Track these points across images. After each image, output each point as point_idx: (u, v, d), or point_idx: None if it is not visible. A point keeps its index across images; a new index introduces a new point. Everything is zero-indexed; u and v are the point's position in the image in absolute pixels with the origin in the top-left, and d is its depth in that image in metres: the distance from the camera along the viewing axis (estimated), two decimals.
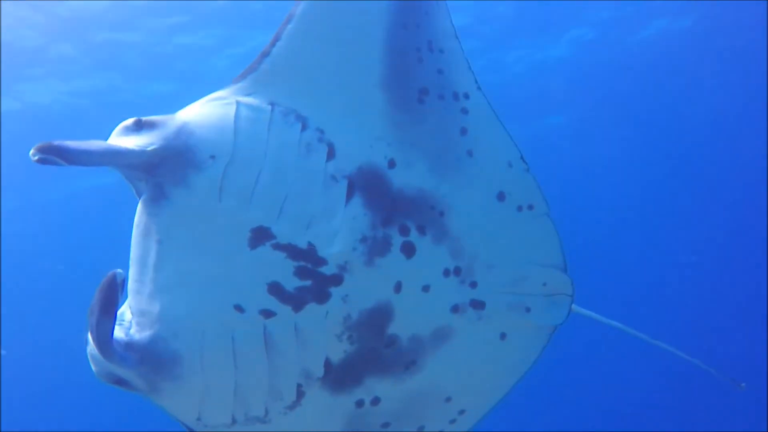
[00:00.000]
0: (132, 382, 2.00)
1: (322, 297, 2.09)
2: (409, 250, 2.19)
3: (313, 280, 2.08)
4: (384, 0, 2.16)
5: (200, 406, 2.07)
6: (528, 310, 2.38)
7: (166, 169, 1.95)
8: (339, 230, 2.09)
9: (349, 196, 2.11)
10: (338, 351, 2.16)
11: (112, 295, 1.77)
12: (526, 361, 2.44)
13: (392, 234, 2.16)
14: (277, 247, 2.04)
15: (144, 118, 2.01)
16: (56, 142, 1.75)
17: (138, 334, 1.97)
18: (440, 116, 2.24)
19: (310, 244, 2.06)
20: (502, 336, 2.38)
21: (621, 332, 2.93)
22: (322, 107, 2.13)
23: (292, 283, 2.06)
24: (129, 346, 1.94)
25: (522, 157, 2.31)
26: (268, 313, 2.06)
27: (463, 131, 2.26)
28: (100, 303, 1.76)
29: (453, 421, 2.41)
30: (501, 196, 2.31)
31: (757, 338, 20.03)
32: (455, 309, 2.30)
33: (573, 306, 2.48)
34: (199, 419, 2.10)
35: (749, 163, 17.94)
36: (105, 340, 1.81)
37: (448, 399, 2.37)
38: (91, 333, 1.79)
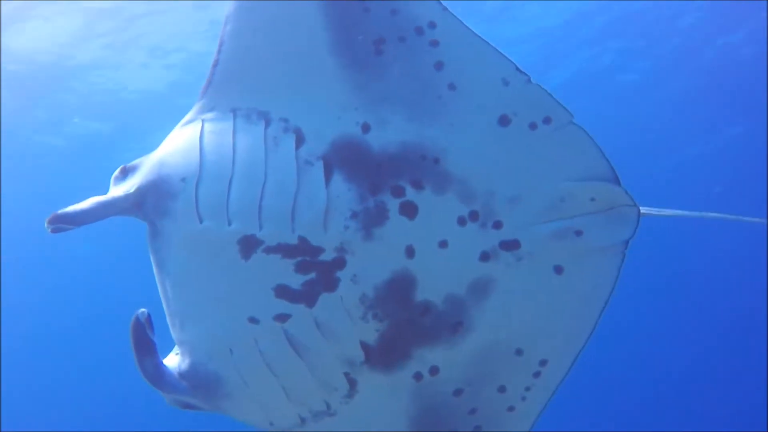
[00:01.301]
0: (197, 405, 2.13)
1: (331, 285, 2.04)
2: (409, 210, 2.04)
3: (316, 271, 2.03)
4: None
5: (265, 413, 2.14)
6: (579, 233, 2.10)
7: (150, 205, 2.04)
8: (325, 214, 2.02)
9: (329, 175, 2.03)
10: (370, 331, 2.09)
11: (142, 334, 1.95)
12: (602, 287, 2.14)
13: (385, 200, 2.03)
14: (269, 250, 2.02)
15: (128, 164, 2.14)
16: (59, 212, 1.96)
17: (183, 363, 2.09)
18: (406, 60, 2.03)
19: (300, 237, 2.02)
20: (558, 270, 2.12)
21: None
22: (281, 96, 2.06)
23: (296, 280, 2.03)
24: (181, 375, 2.07)
25: (518, 69, 2.03)
26: (283, 317, 2.06)
27: (439, 65, 2.03)
28: (134, 345, 1.95)
29: (537, 374, 2.18)
30: (504, 120, 2.05)
31: (757, 338, 20.02)
32: (485, 257, 2.09)
33: (644, 210, 2.16)
34: (271, 424, 2.17)
35: None
36: (152, 376, 1.99)
37: (519, 351, 2.16)
38: (140, 372, 1.97)
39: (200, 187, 2.02)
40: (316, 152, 2.04)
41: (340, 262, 2.03)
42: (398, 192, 2.04)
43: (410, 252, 2.06)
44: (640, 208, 2.16)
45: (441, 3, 2.00)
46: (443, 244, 2.07)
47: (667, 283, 20.95)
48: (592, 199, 2.10)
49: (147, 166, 2.10)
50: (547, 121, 2.06)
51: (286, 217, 2.01)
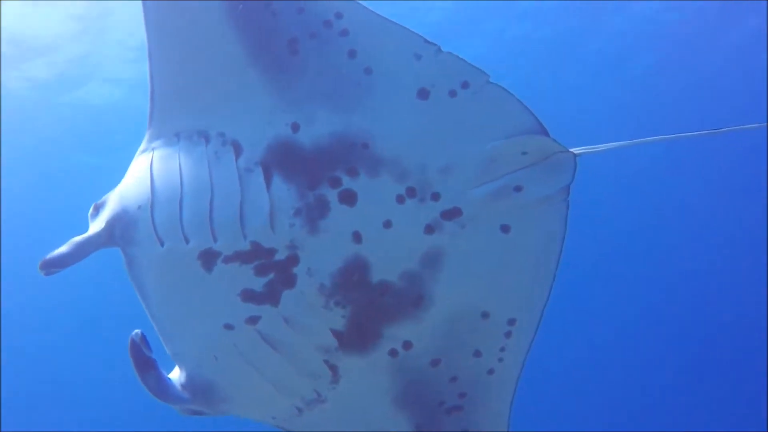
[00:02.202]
0: (204, 411, 2.28)
1: (289, 282, 2.14)
2: (349, 198, 2.11)
3: (274, 271, 2.13)
4: None
5: (262, 409, 2.30)
6: (519, 189, 2.13)
7: (119, 236, 2.19)
8: (270, 216, 2.10)
9: (269, 179, 2.11)
10: (336, 318, 2.18)
11: (139, 354, 2.13)
12: (552, 236, 2.17)
13: (324, 192, 2.10)
14: (227, 259, 2.12)
15: (98, 201, 2.29)
16: (47, 258, 2.13)
17: (180, 375, 2.26)
18: (320, 54, 2.08)
19: (252, 242, 2.11)
20: (505, 228, 2.15)
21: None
22: (215, 112, 2.15)
23: (258, 283, 2.14)
24: (182, 386, 2.24)
25: (426, 41, 2.06)
26: (253, 320, 2.17)
27: (352, 53, 2.07)
28: (134, 365, 2.13)
29: (508, 334, 2.23)
30: (423, 93, 2.08)
31: (757, 338, 20.01)
32: (429, 229, 2.14)
33: (579, 150, 2.18)
34: (273, 418, 2.31)
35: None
36: (156, 390, 2.16)
37: (485, 315, 2.22)
38: (145, 388, 2.15)
39: (155, 212, 2.14)
40: (254, 159, 2.12)
41: (293, 259, 2.13)
42: (335, 183, 2.10)
43: (357, 237, 2.13)
44: (575, 150, 2.17)
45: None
46: (387, 224, 2.13)
47: (667, 282, 20.95)
48: (524, 153, 2.12)
49: (111, 201, 2.25)
50: (465, 86, 2.08)
51: (236, 226, 2.11)
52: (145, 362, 2.14)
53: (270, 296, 2.15)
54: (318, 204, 2.10)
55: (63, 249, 2.17)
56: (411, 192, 2.12)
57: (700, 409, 20.53)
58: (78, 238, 2.21)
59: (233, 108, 2.14)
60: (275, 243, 2.11)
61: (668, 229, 20.19)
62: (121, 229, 2.18)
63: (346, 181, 2.10)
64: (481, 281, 2.20)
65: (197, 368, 2.23)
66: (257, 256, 2.12)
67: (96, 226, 2.24)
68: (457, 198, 2.13)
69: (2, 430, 18.96)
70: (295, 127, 2.11)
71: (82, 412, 21.56)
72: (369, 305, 2.17)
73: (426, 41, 2.06)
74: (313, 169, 2.10)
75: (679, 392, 21.22)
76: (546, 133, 2.12)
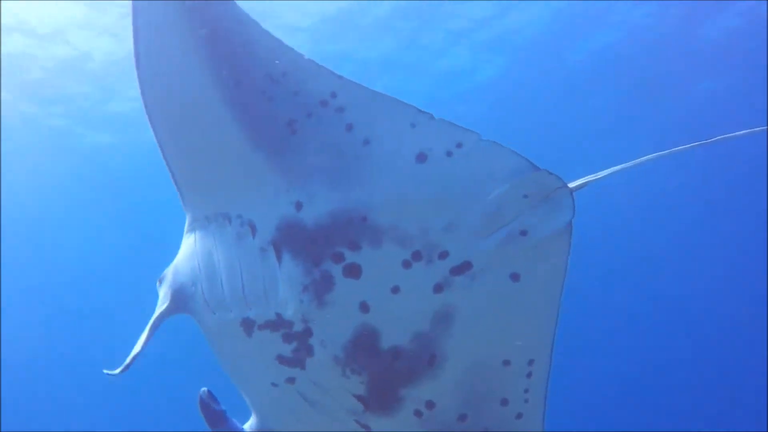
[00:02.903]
0: None
1: (309, 351, 2.25)
2: (352, 271, 2.15)
3: (296, 340, 2.25)
4: (203, 94, 2.16)
5: None
6: (524, 233, 2.14)
7: (182, 308, 2.46)
8: (285, 291, 2.21)
9: (280, 257, 2.20)
10: (356, 384, 2.25)
11: (209, 410, 2.36)
12: (557, 273, 2.18)
13: (328, 267, 2.15)
14: (261, 327, 2.28)
15: (161, 276, 2.56)
16: (133, 355, 2.34)
17: (252, 423, 2.50)
18: (318, 132, 2.15)
19: (276, 313, 2.24)
20: (515, 276, 2.16)
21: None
22: (231, 197, 2.28)
23: (287, 349, 2.26)
24: None
25: (420, 111, 2.11)
26: (291, 380, 2.31)
27: (349, 127, 2.13)
28: (207, 422, 2.36)
29: (530, 375, 2.25)
30: (422, 157, 2.12)
31: (757, 338, 20.03)
32: (439, 288, 2.15)
33: (577, 183, 2.21)
34: None
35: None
36: None
37: (506, 362, 2.23)
38: None
39: (204, 287, 2.37)
40: (267, 238, 2.23)
41: (308, 332, 2.22)
42: (338, 258, 2.15)
43: (365, 307, 2.17)
44: (572, 183, 2.19)
45: (335, 73, 2.12)
46: (395, 290, 2.16)
47: (667, 281, 20.97)
48: (525, 196, 2.13)
49: (171, 277, 2.51)
50: (459, 145, 2.12)
51: (262, 299, 2.26)
52: (216, 417, 2.36)
53: (298, 362, 2.27)
54: (323, 280, 2.16)
55: (144, 336, 2.40)
56: (417, 255, 2.13)
57: (701, 409, 20.55)
58: (151, 321, 2.46)
59: (245, 191, 2.25)
60: (291, 316, 2.21)
61: (669, 228, 20.21)
62: (183, 302, 2.44)
63: (349, 255, 2.14)
64: (496, 330, 2.20)
65: (263, 419, 2.47)
66: (282, 325, 2.25)
67: (163, 300, 2.51)
68: (467, 252, 2.14)
69: (2, 430, 18.97)
70: (299, 206, 2.18)
71: (82, 412, 21.58)
72: (384, 371, 2.21)
73: (419, 111, 2.11)
74: (317, 247, 2.16)
75: (679, 392, 21.24)
76: (537, 168, 2.14)
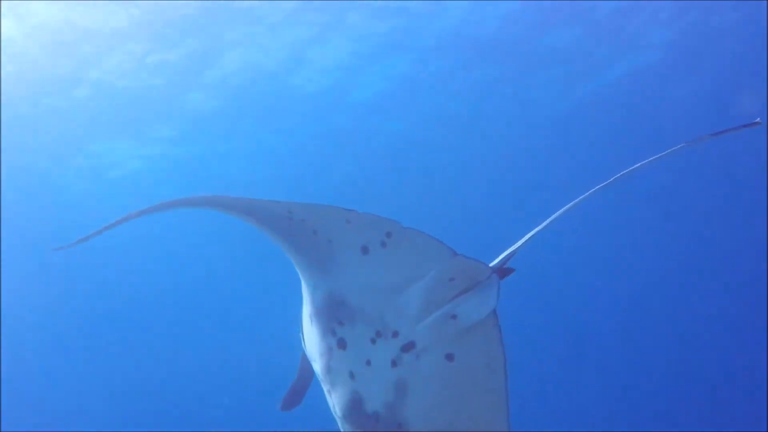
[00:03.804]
0: None
1: (331, 404, 2.74)
2: (342, 344, 2.53)
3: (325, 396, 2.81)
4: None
5: None
6: (454, 317, 2.39)
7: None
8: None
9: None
10: None
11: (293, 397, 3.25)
12: (494, 359, 2.42)
13: (329, 340, 2.58)
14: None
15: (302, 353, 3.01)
16: (286, 402, 3.28)
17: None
18: (298, 236, 2.47)
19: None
20: (449, 357, 2.44)
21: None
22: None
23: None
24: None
25: (345, 209, 2.37)
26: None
27: (315, 232, 2.42)
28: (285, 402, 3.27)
29: None
30: (365, 250, 2.40)
31: (757, 338, 20.04)
32: (395, 363, 2.46)
33: (502, 257, 2.43)
34: None
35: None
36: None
37: None
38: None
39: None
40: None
41: (329, 392, 2.66)
42: (333, 332, 2.55)
43: (352, 375, 2.53)
44: (493, 263, 2.42)
45: (287, 202, 2.37)
46: (368, 362, 2.50)
47: (667, 282, 20.97)
48: (451, 279, 2.37)
49: (303, 358, 3.11)
50: (389, 235, 2.37)
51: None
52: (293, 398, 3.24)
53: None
54: (326, 349, 2.58)
55: (293, 395, 3.09)
56: (378, 333, 2.47)
57: (700, 409, 20.55)
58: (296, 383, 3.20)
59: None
60: (318, 376, 2.74)
61: (669, 228, 20.22)
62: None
63: (338, 330, 2.53)
64: (445, 404, 2.46)
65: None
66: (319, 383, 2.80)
67: (305, 366, 3.13)
68: (411, 332, 2.43)
69: (2, 430, 18.98)
70: (315, 289, 2.58)
71: (82, 411, 21.59)
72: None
73: (345, 209, 2.36)
74: (323, 323, 2.57)
75: (679, 392, 21.25)
76: (455, 253, 2.36)
